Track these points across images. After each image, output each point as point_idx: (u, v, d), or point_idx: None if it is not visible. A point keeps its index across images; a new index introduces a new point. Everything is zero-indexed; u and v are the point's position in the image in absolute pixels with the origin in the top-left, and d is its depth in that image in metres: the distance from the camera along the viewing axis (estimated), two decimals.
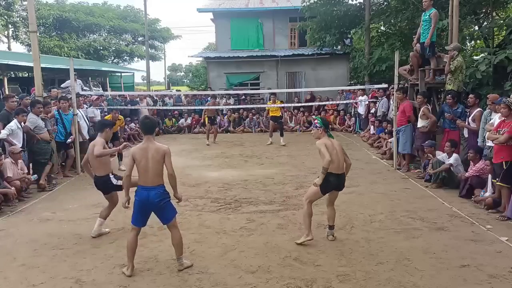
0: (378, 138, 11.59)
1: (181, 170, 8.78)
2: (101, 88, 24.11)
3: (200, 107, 14.46)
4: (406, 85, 9.86)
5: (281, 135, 12.36)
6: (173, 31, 43.76)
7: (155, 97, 17.36)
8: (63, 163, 8.81)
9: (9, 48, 31.23)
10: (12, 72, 24.37)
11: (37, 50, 8.55)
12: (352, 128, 15.18)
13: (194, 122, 16.54)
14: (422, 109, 8.28)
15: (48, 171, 7.61)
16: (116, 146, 9.45)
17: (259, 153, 11.06)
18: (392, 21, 15.20)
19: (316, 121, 4.80)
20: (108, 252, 4.60)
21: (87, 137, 9.42)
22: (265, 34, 20.93)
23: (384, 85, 10.92)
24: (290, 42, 21.20)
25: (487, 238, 4.84)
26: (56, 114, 8.41)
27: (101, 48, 34.43)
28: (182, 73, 68.28)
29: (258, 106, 16.41)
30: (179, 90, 26.74)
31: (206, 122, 12.97)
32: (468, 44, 15.71)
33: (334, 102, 15.57)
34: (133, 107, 14.55)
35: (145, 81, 30.02)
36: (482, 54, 10.88)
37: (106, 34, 35.63)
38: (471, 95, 7.53)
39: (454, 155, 7.18)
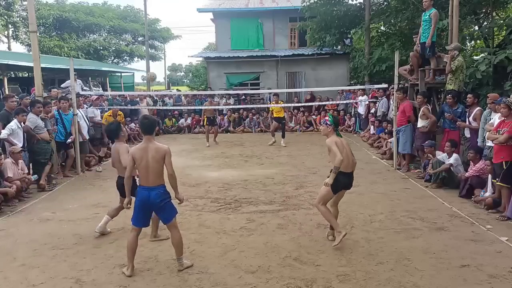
0: (378, 138, 11.59)
1: (181, 170, 8.79)
2: (101, 88, 24.12)
3: (200, 107, 14.47)
4: (406, 85, 9.86)
5: (283, 136, 12.32)
6: (173, 31, 43.85)
7: (155, 97, 17.36)
8: (63, 163, 8.81)
9: (9, 48, 31.24)
10: (12, 72, 24.38)
11: (37, 50, 8.54)
12: (352, 128, 15.18)
13: (194, 122, 16.54)
14: (422, 109, 8.28)
15: (48, 171, 7.61)
16: None
17: (259, 153, 11.07)
18: (392, 21, 15.20)
19: (327, 118, 4.77)
20: (108, 252, 4.60)
21: (87, 137, 9.43)
22: (265, 34, 20.93)
23: (384, 85, 10.92)
24: (290, 42, 21.21)
25: (487, 238, 4.84)
26: (56, 114, 8.40)
27: (101, 48, 34.44)
28: (182, 73, 68.31)
29: (258, 106, 16.41)
30: (180, 90, 26.74)
31: (205, 123, 12.86)
32: (468, 44, 15.71)
33: (334, 102, 15.57)
34: (133, 107, 14.55)
35: (145, 81, 30.00)
36: (482, 54, 10.88)
37: (106, 34, 35.65)
38: (469, 95, 7.53)
39: (454, 155, 7.18)
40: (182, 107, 16.85)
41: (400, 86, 9.07)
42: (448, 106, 7.93)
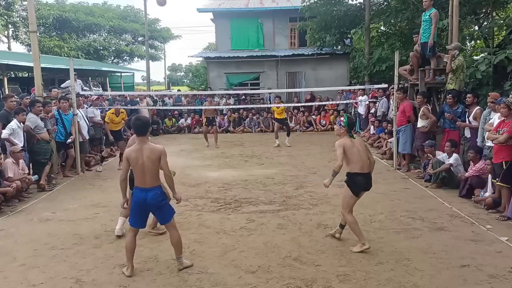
0: (378, 138, 11.59)
1: (181, 170, 8.79)
2: (101, 88, 24.12)
3: (200, 107, 14.47)
4: (406, 85, 9.86)
5: (288, 135, 12.30)
6: (173, 31, 43.85)
7: (155, 97, 17.37)
8: (63, 163, 8.81)
9: (9, 48, 31.23)
10: (12, 72, 24.38)
11: (37, 50, 8.55)
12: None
13: (194, 122, 16.54)
14: (422, 109, 8.28)
15: (48, 171, 7.61)
16: (120, 146, 9.47)
17: (259, 153, 11.07)
18: (392, 21, 15.20)
19: (342, 119, 4.74)
20: (108, 252, 4.60)
21: (87, 137, 9.43)
22: (265, 34, 20.93)
23: (384, 85, 10.92)
24: (290, 42, 21.21)
25: (487, 238, 4.84)
26: (56, 114, 8.40)
27: (101, 48, 34.44)
28: (182, 73, 68.31)
29: (258, 106, 16.41)
30: (180, 90, 26.74)
31: (204, 124, 12.77)
32: (468, 44, 15.70)
33: (334, 102, 15.57)
34: (133, 107, 14.54)
35: (145, 81, 30.01)
36: (482, 54, 10.89)
37: (106, 34, 35.64)
38: (469, 95, 7.53)
39: (454, 155, 7.18)
40: (182, 107, 16.84)
41: (400, 86, 9.07)
42: (448, 106, 7.94)
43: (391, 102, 10.76)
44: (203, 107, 13.18)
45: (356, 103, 14.38)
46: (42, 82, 8.66)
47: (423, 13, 9.00)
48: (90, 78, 23.97)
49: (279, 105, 12.29)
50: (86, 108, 10.38)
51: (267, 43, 20.98)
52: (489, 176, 6.08)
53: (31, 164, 7.49)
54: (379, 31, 18.28)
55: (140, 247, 4.59)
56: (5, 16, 28.32)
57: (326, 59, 18.99)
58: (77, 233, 5.21)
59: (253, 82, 19.72)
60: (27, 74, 24.37)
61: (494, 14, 13.51)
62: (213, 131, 12.67)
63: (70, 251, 4.65)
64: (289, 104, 15.88)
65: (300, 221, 5.52)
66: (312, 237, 4.96)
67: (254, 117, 16.36)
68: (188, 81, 55.20)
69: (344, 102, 15.53)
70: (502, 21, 11.95)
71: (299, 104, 16.58)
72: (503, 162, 5.57)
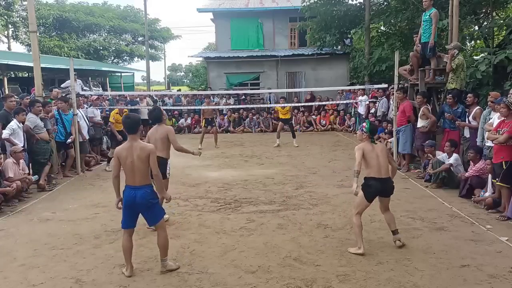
0: (378, 138, 11.58)
1: (181, 170, 8.79)
2: (101, 88, 24.11)
3: (200, 107, 14.46)
4: (406, 85, 9.86)
5: (293, 136, 12.24)
6: (173, 31, 43.79)
7: (155, 97, 17.36)
8: (63, 163, 8.81)
9: (9, 48, 31.23)
10: (12, 72, 24.38)
11: (37, 50, 8.55)
12: (352, 128, 15.18)
13: (194, 122, 16.54)
14: (422, 109, 8.28)
15: (47, 171, 7.61)
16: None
17: (259, 153, 11.06)
18: (392, 21, 15.19)
19: (364, 124, 4.79)
20: (108, 252, 4.60)
21: (87, 137, 9.43)
22: (265, 34, 20.94)
23: (384, 85, 10.92)
24: (290, 42, 21.21)
25: (487, 238, 4.83)
26: (56, 114, 8.40)
27: (101, 48, 34.42)
28: (182, 73, 68.31)
29: (258, 106, 16.41)
30: (179, 90, 26.74)
31: (203, 125, 12.70)
32: (468, 44, 15.70)
33: (334, 102, 15.57)
34: (133, 107, 14.53)
35: (145, 81, 30.02)
36: (482, 54, 10.88)
37: (106, 34, 35.63)
38: (469, 95, 7.54)
39: (454, 155, 7.18)
40: (182, 107, 16.84)
41: (400, 86, 9.07)
42: (448, 106, 7.94)
43: (391, 102, 10.76)
44: (201, 107, 13.15)
45: (356, 103, 14.38)
46: (42, 82, 8.67)
47: (423, 13, 9.01)
48: (90, 78, 23.96)
49: (284, 105, 12.28)
50: (86, 108, 10.38)
51: (267, 43, 20.99)
52: (489, 176, 6.08)
53: (30, 164, 7.49)
54: (379, 31, 18.28)
55: (140, 247, 4.60)
56: (5, 16, 28.31)
57: (326, 59, 18.99)
58: (77, 233, 5.21)
59: (253, 82, 19.72)
60: (27, 74, 24.36)
61: (494, 14, 13.51)
62: (213, 131, 12.66)
63: (70, 251, 4.65)
64: (289, 104, 15.86)
65: (300, 221, 5.52)
66: (312, 237, 4.95)
67: (254, 117, 16.36)
68: (188, 81, 55.21)
69: (344, 102, 15.53)
70: (502, 21, 11.95)
71: (299, 104, 16.59)
72: (503, 162, 5.56)
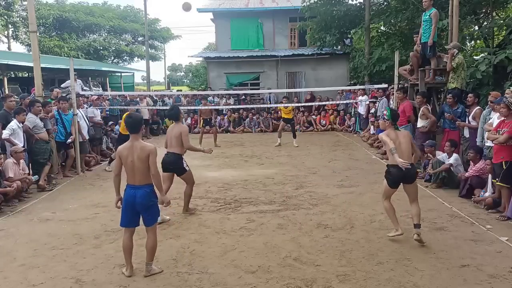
0: (378, 138, 11.58)
1: None
2: (101, 88, 24.11)
3: (198, 107, 14.46)
4: (406, 85, 9.86)
5: (294, 136, 12.24)
6: (173, 31, 43.78)
7: (155, 97, 17.35)
8: (63, 163, 8.81)
9: (9, 48, 31.22)
10: (12, 72, 24.37)
11: (37, 50, 8.55)
12: (352, 128, 15.18)
13: (193, 122, 16.53)
14: (422, 109, 8.28)
15: (47, 171, 7.61)
16: None
17: (259, 153, 11.06)
18: (392, 21, 15.19)
19: (385, 112, 4.85)
20: (108, 252, 4.60)
21: (87, 137, 9.43)
22: (265, 34, 20.92)
23: (384, 85, 10.91)
24: (290, 42, 21.20)
25: (487, 238, 4.84)
26: (56, 114, 8.40)
27: (101, 48, 34.41)
28: (182, 73, 68.29)
29: (258, 106, 16.41)
30: (180, 90, 26.72)
31: (200, 125, 12.68)
32: (468, 44, 15.70)
33: (334, 102, 15.57)
34: (133, 107, 14.52)
35: (145, 81, 30.01)
36: (482, 54, 10.88)
37: (106, 34, 35.61)
38: (470, 95, 7.54)
39: (454, 155, 7.18)
40: (181, 107, 16.81)
41: (400, 86, 9.07)
42: (448, 106, 7.94)
43: (391, 102, 10.76)
44: (199, 107, 13.12)
45: (356, 103, 14.38)
46: (42, 82, 8.67)
47: (423, 13, 9.01)
48: (90, 78, 23.96)
49: (286, 104, 12.28)
50: (86, 108, 10.39)
51: (267, 43, 20.98)
52: (489, 176, 6.08)
53: (30, 164, 7.49)
54: (379, 31, 18.28)
55: (141, 247, 4.59)
56: (5, 16, 28.31)
57: (326, 59, 18.98)
58: (77, 233, 5.21)
59: (253, 82, 19.71)
60: (27, 74, 24.35)
61: (494, 14, 13.51)
62: (212, 131, 12.67)
63: (70, 251, 4.65)
64: (289, 104, 15.86)
65: (300, 221, 5.52)
66: (312, 237, 4.95)
67: (254, 117, 16.36)
68: (188, 81, 55.19)
69: (344, 102, 15.53)
70: (502, 21, 11.95)
71: (299, 104, 16.57)
72: (503, 162, 5.57)
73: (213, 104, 16.32)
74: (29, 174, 7.16)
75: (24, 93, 12.93)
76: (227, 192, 7.13)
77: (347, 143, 12.72)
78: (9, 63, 16.89)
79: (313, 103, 16.69)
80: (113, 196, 6.65)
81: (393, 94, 9.72)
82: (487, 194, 6.07)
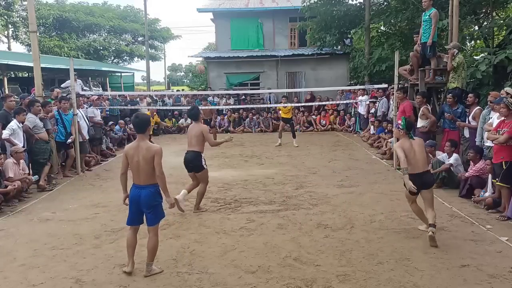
0: (378, 138, 11.59)
1: (181, 171, 8.74)
2: (101, 88, 24.12)
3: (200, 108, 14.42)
4: (406, 85, 9.86)
5: (294, 136, 12.24)
6: (173, 31, 43.76)
7: (155, 97, 17.36)
8: (63, 163, 8.81)
9: (9, 48, 31.23)
10: (12, 72, 24.37)
11: (37, 50, 8.55)
12: (352, 128, 15.18)
13: None
14: (421, 109, 8.28)
15: (47, 171, 7.61)
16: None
17: (259, 153, 11.06)
18: (392, 21, 15.19)
19: (399, 122, 4.97)
20: (108, 252, 4.60)
21: (87, 137, 9.43)
22: (265, 34, 20.92)
23: (384, 85, 10.91)
24: (290, 42, 21.20)
25: (487, 238, 4.84)
26: (56, 114, 8.41)
27: (101, 48, 34.42)
28: (182, 73, 68.29)
29: (258, 106, 16.40)
30: (179, 90, 26.72)
31: None
32: (468, 44, 15.71)
33: (334, 102, 15.57)
34: (133, 107, 14.55)
35: (145, 81, 30.01)
36: (482, 54, 10.89)
37: (106, 34, 35.62)
38: (470, 95, 7.54)
39: (454, 155, 7.18)
40: (182, 107, 16.83)
41: (400, 86, 9.07)
42: (448, 106, 7.94)
43: (391, 102, 10.76)
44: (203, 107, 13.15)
45: (356, 103, 14.38)
46: (42, 82, 8.66)
47: (423, 13, 9.00)
48: (90, 78, 23.97)
49: (285, 104, 12.29)
50: (86, 108, 10.39)
51: (267, 43, 20.97)
52: (489, 176, 6.08)
53: (30, 164, 7.49)
54: (379, 31, 18.28)
55: (141, 247, 4.58)
56: (5, 16, 28.31)
57: (326, 59, 18.98)
58: (77, 233, 5.21)
59: (253, 82, 19.71)
60: (27, 74, 24.36)
61: (494, 14, 13.51)
62: (212, 131, 12.67)
63: (70, 251, 4.65)
64: (289, 104, 15.88)
65: (300, 221, 5.52)
66: (312, 237, 4.95)
67: (254, 117, 16.36)
68: (188, 81, 55.19)
69: (344, 102, 15.53)
70: (502, 21, 11.95)
71: (299, 104, 16.58)
72: (503, 162, 5.56)
73: (212, 104, 16.30)
74: (29, 174, 7.16)
75: (24, 93, 12.93)
76: (227, 192, 7.13)
77: (347, 143, 12.72)
78: (9, 63, 16.90)
79: (313, 103, 16.69)
80: (113, 196, 6.69)
81: (393, 94, 9.71)
82: (487, 194, 6.07)
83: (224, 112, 16.69)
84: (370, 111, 13.11)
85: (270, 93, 18.05)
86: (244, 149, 12.00)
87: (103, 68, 26.36)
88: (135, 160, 3.92)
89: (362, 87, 14.17)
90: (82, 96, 10.29)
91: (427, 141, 7.90)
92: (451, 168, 7.07)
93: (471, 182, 6.47)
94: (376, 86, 12.09)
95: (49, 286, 3.86)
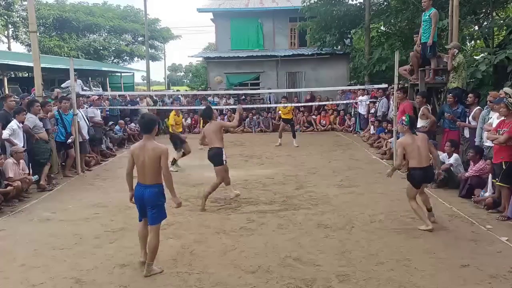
0: (378, 138, 11.58)
1: (181, 171, 8.78)
2: (101, 88, 24.12)
3: (199, 107, 14.45)
4: (406, 85, 9.86)
5: (294, 136, 12.23)
6: (173, 31, 43.71)
7: (154, 97, 17.35)
8: (63, 163, 8.81)
9: (9, 48, 31.23)
10: (12, 72, 24.37)
11: (37, 50, 8.55)
12: (352, 128, 15.17)
13: (193, 122, 16.53)
14: (421, 109, 8.28)
15: (47, 171, 7.60)
16: (185, 148, 9.39)
17: (259, 153, 11.06)
18: (392, 21, 15.20)
19: (404, 118, 5.19)
20: (108, 252, 4.60)
21: (87, 137, 9.43)
22: (265, 34, 20.91)
23: (384, 85, 10.91)
24: (290, 42, 21.19)
25: (487, 238, 4.83)
26: (56, 114, 8.40)
27: (101, 48, 34.42)
28: (182, 73, 68.32)
29: (258, 106, 16.40)
30: (179, 90, 26.72)
31: (201, 126, 12.69)
32: (468, 44, 15.71)
33: (334, 102, 15.56)
34: (133, 107, 14.56)
35: (145, 81, 30.01)
36: (482, 54, 10.89)
37: (106, 34, 35.62)
38: (470, 95, 7.54)
39: (454, 155, 7.18)
40: (182, 107, 16.82)
41: (400, 86, 9.07)
42: (448, 106, 7.94)
43: (391, 102, 10.76)
44: (200, 107, 13.13)
45: (356, 103, 14.38)
46: (42, 82, 8.66)
47: (423, 13, 9.01)
48: (90, 78, 23.96)
49: (285, 104, 12.28)
50: (86, 108, 10.39)
51: (267, 43, 20.97)
52: (489, 176, 6.07)
53: (30, 164, 7.49)
54: (379, 31, 18.27)
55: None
56: (5, 16, 28.32)
57: (326, 59, 18.98)
58: (77, 233, 5.21)
59: (253, 82, 19.71)
60: (27, 74, 24.35)
61: (494, 14, 13.51)
62: None
63: (70, 251, 4.65)
64: (289, 104, 15.87)
65: (300, 221, 5.52)
66: (312, 237, 4.95)
67: (254, 117, 16.35)
68: (188, 81, 55.20)
69: (344, 102, 15.53)
70: (502, 21, 11.95)
71: (299, 104, 16.56)
72: (503, 162, 5.56)
73: (212, 104, 16.30)
74: (29, 174, 7.15)
75: (24, 93, 12.92)
76: (227, 192, 7.12)
77: (347, 143, 12.72)
78: (9, 63, 16.89)
79: (313, 103, 16.68)
80: (113, 196, 6.71)
81: (393, 94, 9.71)
82: (487, 194, 6.07)
83: (224, 112, 16.69)
84: (370, 111, 13.10)
85: (270, 93, 18.05)
86: (244, 149, 12.00)
87: (103, 68, 26.35)
88: (141, 160, 3.95)
89: (362, 87, 14.17)
90: (82, 96, 10.28)
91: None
92: (451, 168, 7.07)
93: (471, 182, 6.47)
94: (376, 86, 12.09)
95: (49, 286, 3.86)
